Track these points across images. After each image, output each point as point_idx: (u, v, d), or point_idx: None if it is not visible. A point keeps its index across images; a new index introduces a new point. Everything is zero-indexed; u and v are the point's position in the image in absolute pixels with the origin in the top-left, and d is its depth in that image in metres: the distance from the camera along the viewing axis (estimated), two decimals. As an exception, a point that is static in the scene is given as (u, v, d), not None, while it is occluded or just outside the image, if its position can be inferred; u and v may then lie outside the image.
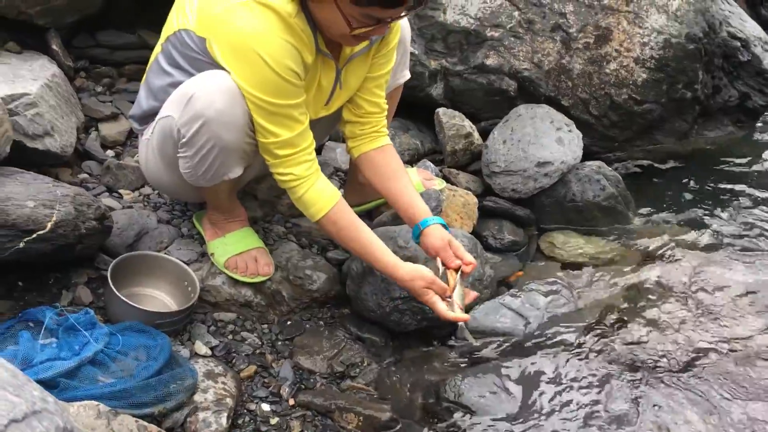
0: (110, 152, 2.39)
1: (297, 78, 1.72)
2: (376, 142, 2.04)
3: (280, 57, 1.66)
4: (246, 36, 1.65)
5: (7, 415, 0.88)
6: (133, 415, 1.52)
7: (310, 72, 1.78)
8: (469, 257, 1.91)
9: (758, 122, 3.34)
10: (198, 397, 1.69)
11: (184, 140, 1.75)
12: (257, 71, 1.67)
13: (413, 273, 1.84)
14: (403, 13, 1.66)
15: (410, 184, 2.02)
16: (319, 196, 1.83)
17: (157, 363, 1.65)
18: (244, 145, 1.78)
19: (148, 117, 1.93)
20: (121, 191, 2.25)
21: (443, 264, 1.90)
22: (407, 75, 2.25)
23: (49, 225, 1.74)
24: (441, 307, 1.83)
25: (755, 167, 3.08)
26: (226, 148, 1.76)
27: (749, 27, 3.14)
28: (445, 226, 1.95)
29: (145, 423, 1.49)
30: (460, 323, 1.86)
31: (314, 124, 1.86)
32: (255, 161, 1.89)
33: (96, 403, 1.43)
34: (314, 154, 1.83)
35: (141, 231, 2.08)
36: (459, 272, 1.88)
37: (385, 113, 2.07)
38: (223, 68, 1.71)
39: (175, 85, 1.79)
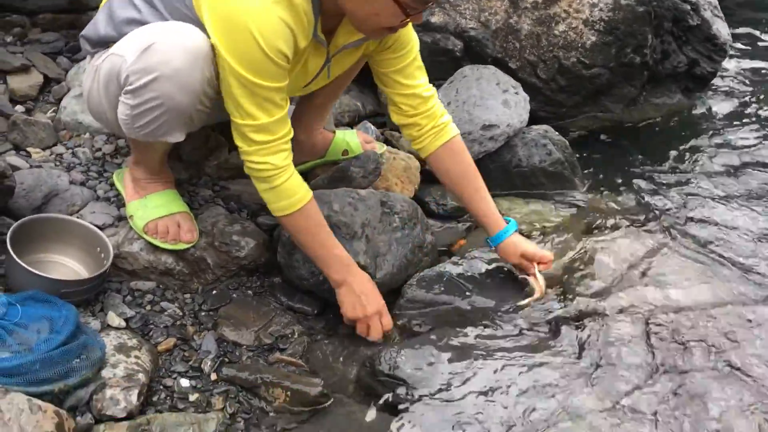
0: (20, 107, 2.19)
1: (285, 61, 1.58)
2: (440, 137, 1.96)
3: (273, 37, 1.52)
4: (241, 8, 1.50)
5: None
6: (30, 394, 1.37)
7: (297, 55, 1.65)
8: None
9: (706, 90, 3.29)
10: (106, 373, 1.54)
11: (130, 87, 1.59)
12: (245, 48, 1.53)
13: (371, 283, 1.84)
14: None
15: (484, 186, 2.00)
16: (297, 188, 1.73)
17: (60, 336, 1.50)
18: (193, 112, 1.64)
19: (102, 43, 1.74)
20: (29, 149, 2.05)
21: (525, 271, 1.99)
22: None
23: (-65, 183, 1.56)
24: (361, 330, 1.84)
25: (701, 138, 3.03)
26: (173, 110, 1.61)
27: (699, -9, 3.07)
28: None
29: (40, 402, 1.34)
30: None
31: None
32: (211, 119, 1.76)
33: (-18, 380, 1.28)
34: (290, 143, 1.70)
35: (50, 192, 1.90)
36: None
37: (433, 98, 1.96)
38: (205, 30, 1.56)
39: (140, 23, 1.63)
